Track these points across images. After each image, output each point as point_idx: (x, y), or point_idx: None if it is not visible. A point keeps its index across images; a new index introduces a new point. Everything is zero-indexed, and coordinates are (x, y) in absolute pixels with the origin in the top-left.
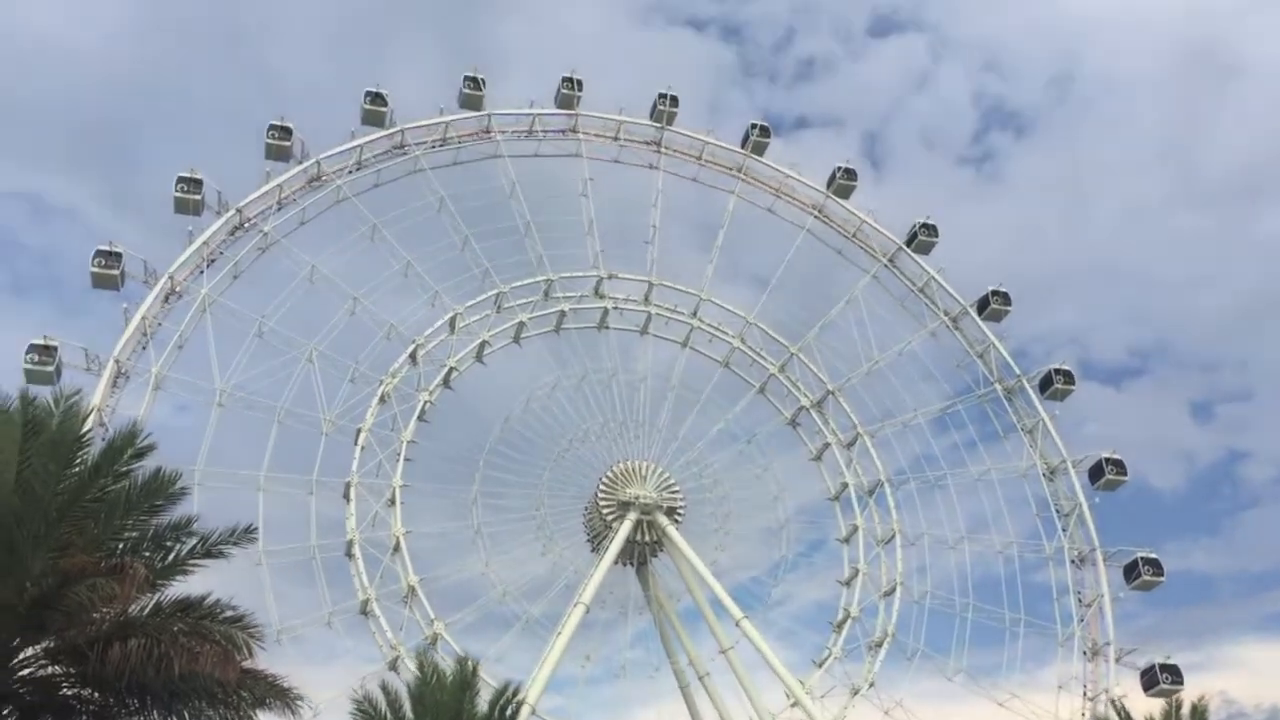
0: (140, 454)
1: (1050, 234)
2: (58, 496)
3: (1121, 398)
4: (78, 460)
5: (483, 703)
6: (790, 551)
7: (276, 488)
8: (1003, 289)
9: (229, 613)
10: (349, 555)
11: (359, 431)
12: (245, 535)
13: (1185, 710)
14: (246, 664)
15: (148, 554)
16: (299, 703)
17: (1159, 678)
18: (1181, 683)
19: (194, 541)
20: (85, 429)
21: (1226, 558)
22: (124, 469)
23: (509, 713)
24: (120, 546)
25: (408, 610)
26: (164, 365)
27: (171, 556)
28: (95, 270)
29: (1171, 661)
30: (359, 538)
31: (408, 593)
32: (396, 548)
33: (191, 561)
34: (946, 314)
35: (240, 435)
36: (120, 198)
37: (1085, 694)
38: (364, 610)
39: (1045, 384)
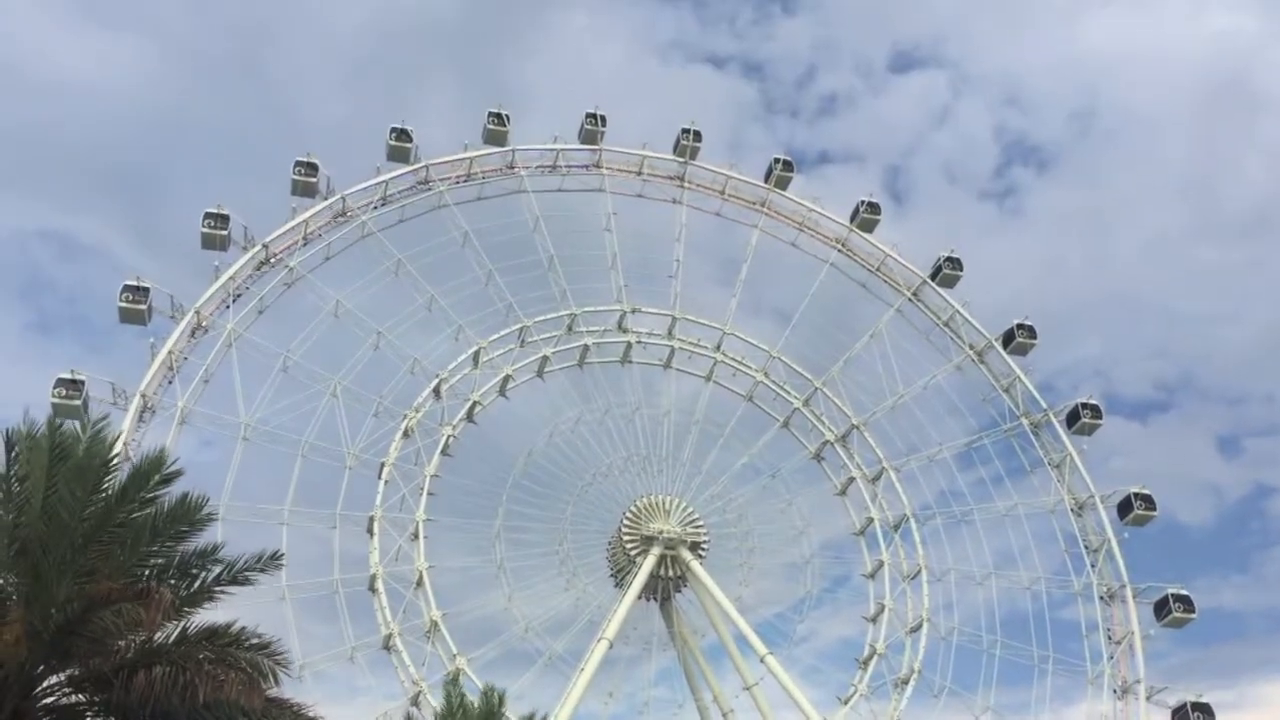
0: (167, 479)
1: (1073, 268)
2: (84, 522)
3: (1147, 432)
4: (104, 486)
5: None
6: (815, 587)
7: (300, 522)
8: (1028, 322)
9: (255, 640)
10: (372, 590)
11: (383, 466)
12: (272, 561)
13: None
14: (272, 692)
15: (174, 581)
16: None
17: (1191, 717)
18: None
19: (220, 568)
20: (112, 454)
21: (1257, 594)
22: (150, 495)
23: None
24: (146, 573)
25: (430, 645)
26: (189, 399)
27: (197, 583)
28: (123, 305)
29: (1204, 700)
30: (382, 572)
31: (430, 628)
32: (419, 582)
33: (218, 588)
34: (971, 348)
35: (264, 469)
36: (147, 236)
37: None
38: (387, 645)
39: (1072, 418)
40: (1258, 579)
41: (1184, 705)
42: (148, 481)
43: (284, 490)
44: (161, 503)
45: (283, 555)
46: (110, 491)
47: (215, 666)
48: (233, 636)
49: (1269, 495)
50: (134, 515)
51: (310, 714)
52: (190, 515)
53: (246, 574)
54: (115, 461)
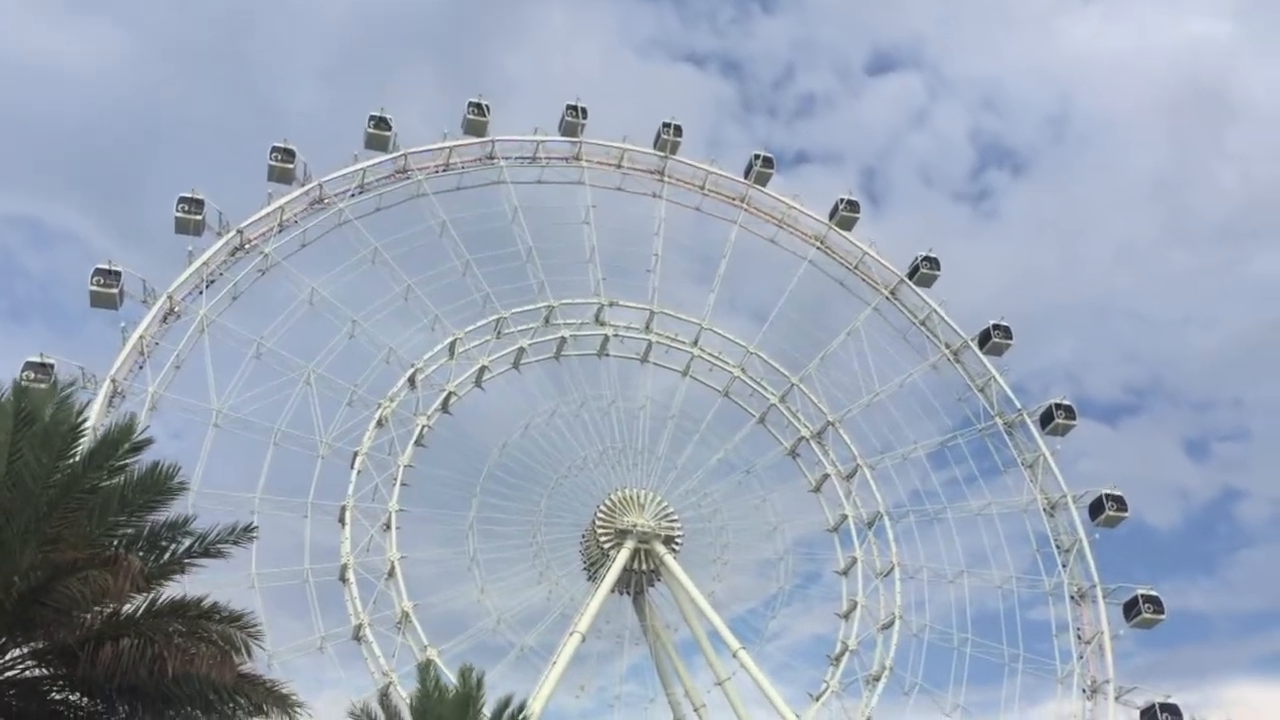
0: (137, 448)
1: (1046, 271)
2: (49, 489)
3: (1117, 435)
4: (71, 452)
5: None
6: (788, 583)
7: (271, 510)
8: (1004, 323)
9: (226, 613)
10: (343, 580)
11: (356, 455)
12: (244, 534)
13: None
14: (244, 668)
15: (143, 552)
16: (298, 710)
17: (1159, 718)
18: None
19: (191, 541)
20: (80, 419)
21: (1223, 597)
22: (119, 463)
23: None
24: (114, 543)
25: (401, 637)
26: (160, 385)
27: (167, 555)
28: (94, 289)
29: (1172, 701)
30: (353, 562)
31: (401, 619)
32: (391, 573)
33: (188, 560)
34: (948, 347)
35: (236, 457)
36: (121, 223)
37: None
38: (357, 636)
39: (1046, 419)
40: (1224, 582)
41: (1152, 706)
42: (116, 449)
43: (255, 478)
44: (131, 471)
45: (256, 528)
46: (77, 458)
47: (186, 640)
48: (204, 609)
49: (1236, 499)
50: (102, 483)
51: (284, 689)
52: (160, 484)
53: (219, 546)
54: (83, 427)
